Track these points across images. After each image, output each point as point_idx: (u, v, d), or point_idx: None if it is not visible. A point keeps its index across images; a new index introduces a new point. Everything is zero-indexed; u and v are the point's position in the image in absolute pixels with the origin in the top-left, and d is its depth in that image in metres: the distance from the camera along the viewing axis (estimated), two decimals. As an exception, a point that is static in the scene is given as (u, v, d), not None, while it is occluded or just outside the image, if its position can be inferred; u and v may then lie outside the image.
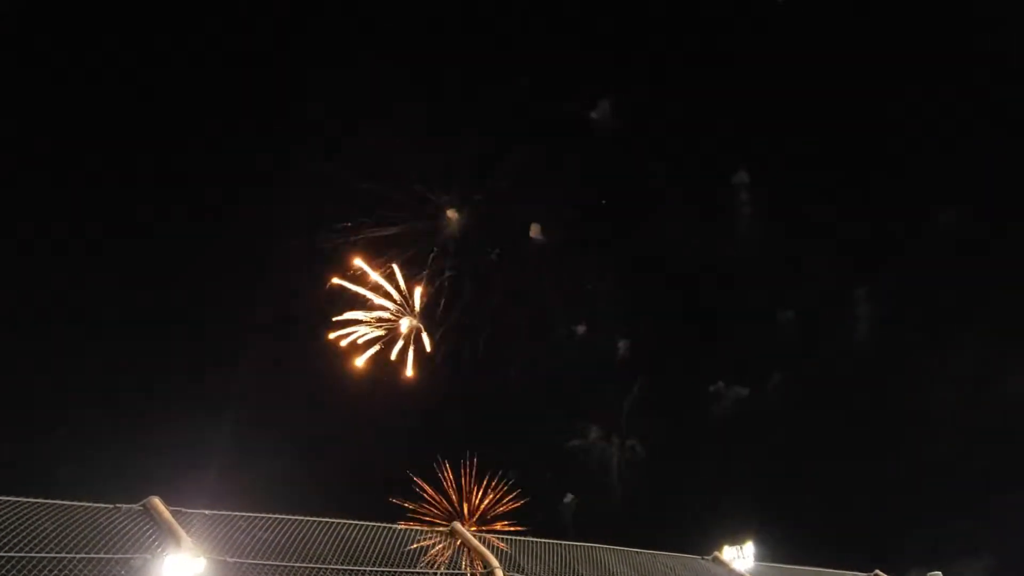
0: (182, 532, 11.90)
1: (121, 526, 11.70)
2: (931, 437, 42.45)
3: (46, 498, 11.25)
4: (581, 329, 53.77)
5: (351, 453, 43.23)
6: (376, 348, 48.83)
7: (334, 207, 46.91)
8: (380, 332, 49.51)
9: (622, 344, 53.24)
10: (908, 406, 44.00)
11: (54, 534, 11.16)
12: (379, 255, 49.29)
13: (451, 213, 52.40)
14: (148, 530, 11.82)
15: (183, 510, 12.17)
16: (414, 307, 51.31)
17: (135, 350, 38.64)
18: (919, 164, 48.36)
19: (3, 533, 10.61)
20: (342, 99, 46.31)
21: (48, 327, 37.46)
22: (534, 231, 54.43)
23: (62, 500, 11.38)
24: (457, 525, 13.54)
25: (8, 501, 10.89)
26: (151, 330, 40.14)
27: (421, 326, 51.27)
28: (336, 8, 48.59)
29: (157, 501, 12.07)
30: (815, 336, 49.30)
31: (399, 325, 50.68)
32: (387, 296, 50.01)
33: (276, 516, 12.74)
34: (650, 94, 52.77)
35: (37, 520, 11.19)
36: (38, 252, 38.54)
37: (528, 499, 35.74)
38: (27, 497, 11.05)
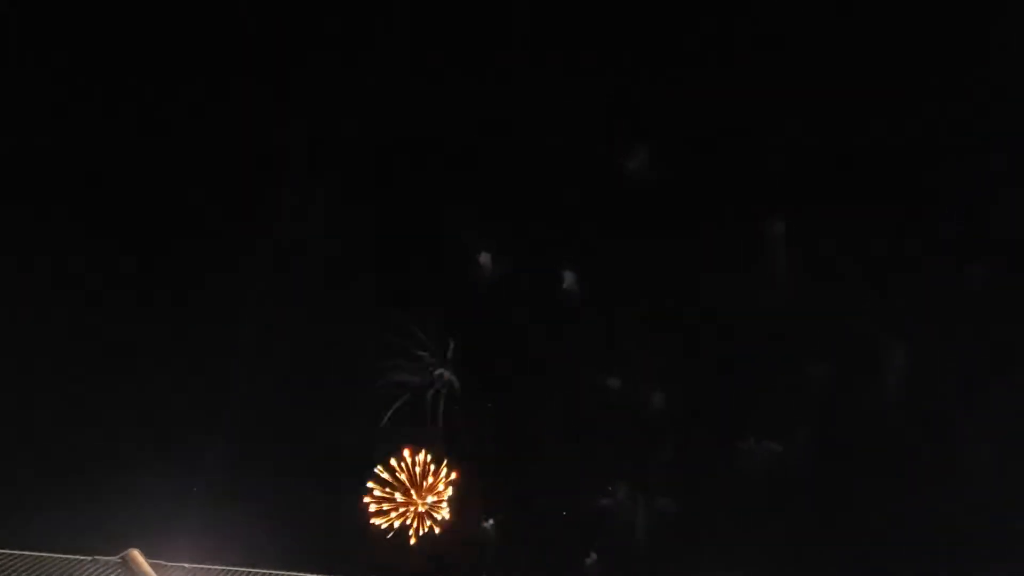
0: (162, 585, 11.81)
1: (98, 579, 11.64)
2: (967, 496, 41.01)
3: (21, 549, 11.23)
4: (614, 383, 53.19)
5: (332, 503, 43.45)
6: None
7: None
8: None
9: (656, 397, 52.48)
10: (942, 463, 42.60)
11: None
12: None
13: (484, 259, 52.58)
14: (127, 583, 11.73)
15: (163, 563, 12.05)
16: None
17: (119, 400, 38.94)
18: (955, 221, 47.62)
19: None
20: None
21: (28, 375, 37.79)
22: (568, 282, 54.31)
23: (38, 552, 11.33)
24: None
25: (-14, 552, 10.90)
26: (138, 378, 40.43)
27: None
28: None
29: (136, 553, 11.96)
30: (848, 390, 48.15)
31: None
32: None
33: (256, 571, 12.58)
34: (686, 142, 52.60)
35: (11, 571, 11.18)
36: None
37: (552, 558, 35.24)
38: (1, 548, 11.04)
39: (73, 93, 42.21)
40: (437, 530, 47.98)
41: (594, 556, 45.31)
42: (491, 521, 48.56)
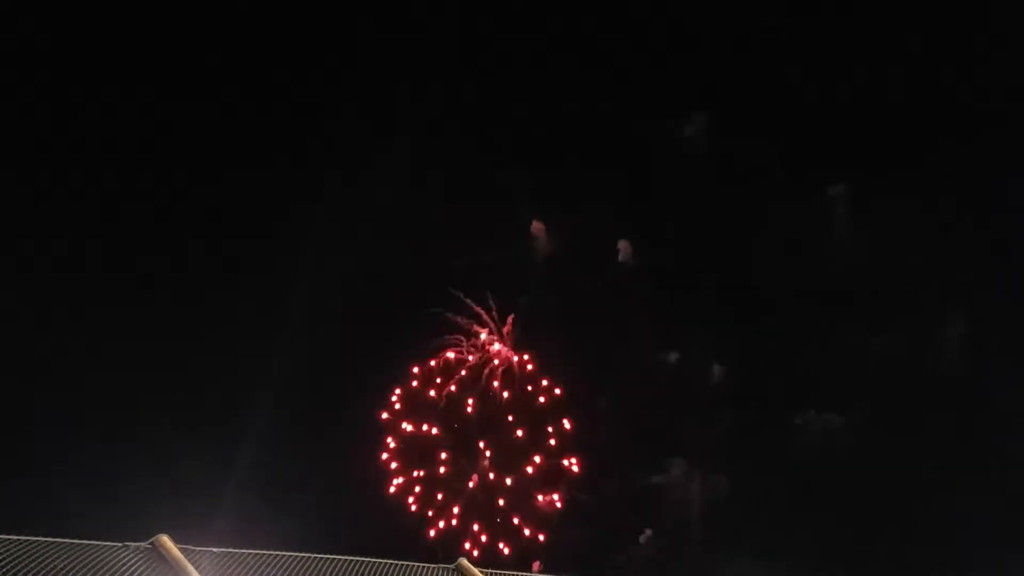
0: (192, 570, 11.95)
1: (131, 565, 11.84)
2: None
3: (55, 536, 11.47)
4: (673, 356, 52.52)
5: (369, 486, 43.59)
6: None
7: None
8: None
9: (716, 370, 51.69)
10: (1008, 438, 41.00)
11: (65, 574, 11.37)
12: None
13: (537, 226, 52.24)
14: (158, 568, 11.92)
15: (192, 548, 12.20)
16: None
17: (147, 384, 39.62)
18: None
19: (14, 573, 10.88)
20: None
21: (61, 361, 38.66)
22: (624, 253, 53.49)
23: (71, 539, 11.56)
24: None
25: (18, 540, 11.15)
26: (168, 365, 41.07)
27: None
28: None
29: (166, 539, 12.14)
30: (910, 361, 46.72)
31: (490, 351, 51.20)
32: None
33: (286, 554, 12.66)
34: (744, 108, 51.42)
35: (47, 559, 11.43)
36: (63, 297, 39.91)
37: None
38: (36, 536, 11.29)
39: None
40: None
41: (648, 533, 45.07)
42: (557, 501, 48.46)
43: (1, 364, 36.60)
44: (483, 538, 46.89)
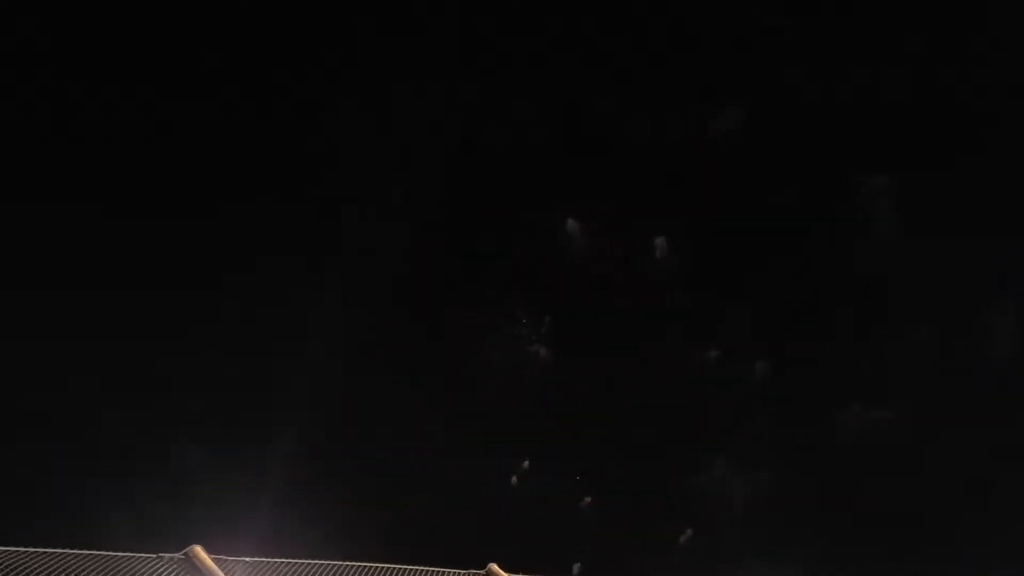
0: (226, 580, 12.09)
1: (165, 575, 12.00)
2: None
3: (90, 548, 11.65)
4: (714, 354, 51.91)
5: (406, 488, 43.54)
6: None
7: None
8: None
9: (759, 367, 50.97)
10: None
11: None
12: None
13: (571, 226, 51.97)
14: (192, 579, 12.06)
15: (225, 557, 12.32)
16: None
17: (178, 394, 39.93)
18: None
19: (52, 586, 11.08)
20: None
21: (92, 373, 39.09)
22: (661, 250, 52.95)
23: (105, 551, 11.74)
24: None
25: (53, 553, 11.35)
26: (200, 374, 41.39)
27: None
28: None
29: (199, 549, 12.27)
30: (957, 355, 45.67)
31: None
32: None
33: (320, 561, 12.71)
34: (780, 97, 50.59)
35: (82, 573, 11.61)
36: (99, 313, 40.45)
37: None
38: (71, 549, 11.48)
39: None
40: None
41: (689, 532, 44.54)
42: (588, 499, 48.31)
43: (34, 377, 37.36)
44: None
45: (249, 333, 44.59)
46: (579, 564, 44.45)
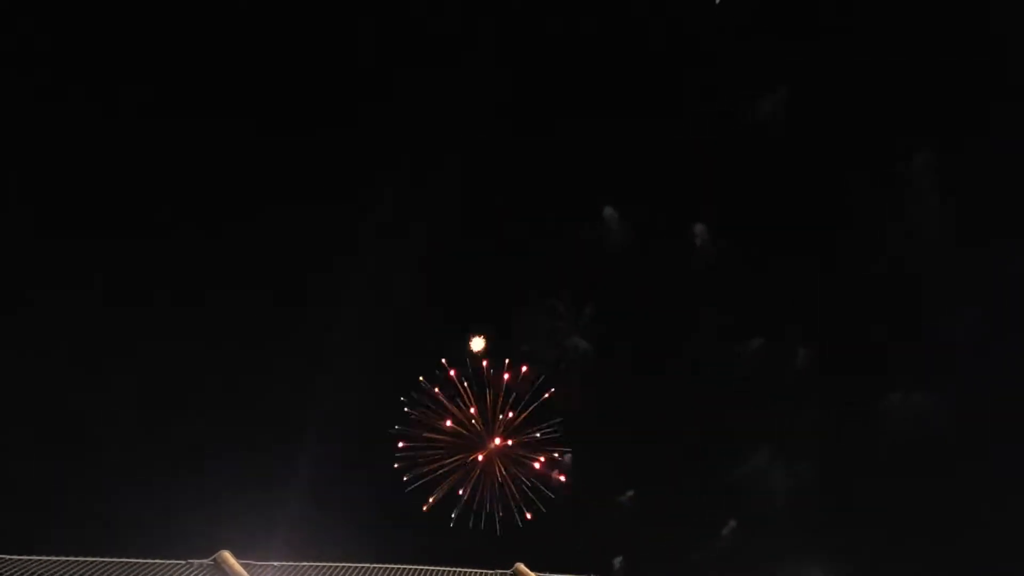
0: (254, 585, 12.13)
1: (195, 581, 12.09)
2: None
3: (121, 556, 11.77)
4: (756, 343, 50.91)
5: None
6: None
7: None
8: None
9: (801, 352, 49.92)
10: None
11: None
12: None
13: (609, 212, 51.33)
14: (221, 584, 12.13)
15: (253, 562, 12.36)
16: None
17: (208, 405, 40.29)
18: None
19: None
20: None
21: (125, 385, 39.50)
22: (701, 237, 51.90)
23: (136, 559, 11.85)
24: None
25: (85, 561, 11.49)
26: (227, 389, 41.65)
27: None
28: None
29: (227, 555, 12.32)
30: (1000, 337, 44.35)
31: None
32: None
33: (346, 565, 12.70)
34: (821, 83, 49.32)
35: (117, 579, 11.78)
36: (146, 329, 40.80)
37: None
38: (102, 557, 11.61)
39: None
40: None
41: (732, 524, 44.08)
42: (630, 492, 47.86)
43: (66, 390, 38.08)
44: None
45: (279, 343, 45.15)
46: (620, 558, 44.28)
